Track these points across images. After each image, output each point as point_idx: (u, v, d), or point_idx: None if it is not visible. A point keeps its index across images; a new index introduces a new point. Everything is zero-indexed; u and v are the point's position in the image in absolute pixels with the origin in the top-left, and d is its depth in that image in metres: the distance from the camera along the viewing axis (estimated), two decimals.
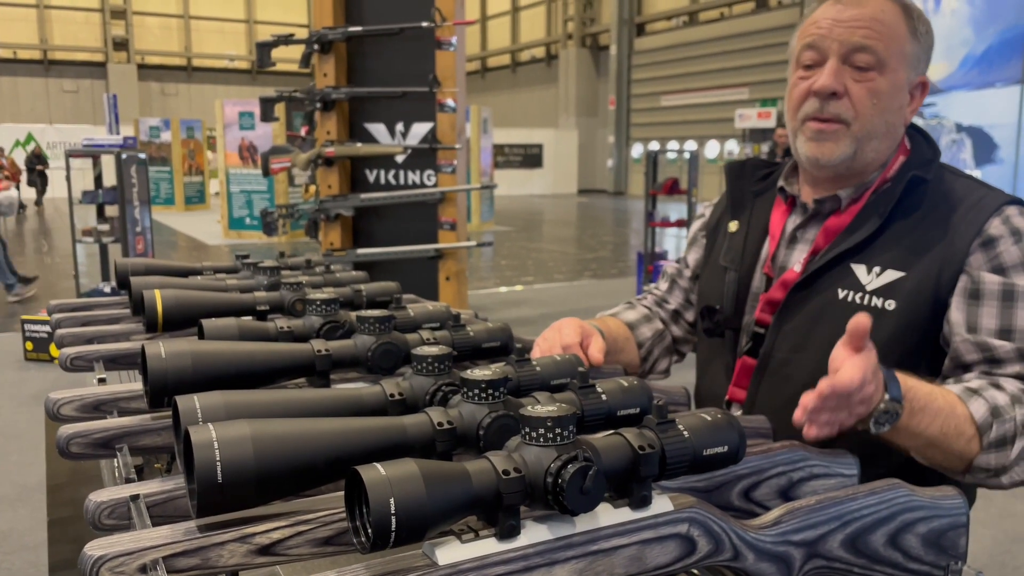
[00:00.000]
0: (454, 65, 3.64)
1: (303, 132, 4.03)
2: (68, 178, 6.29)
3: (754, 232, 1.33)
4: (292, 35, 3.95)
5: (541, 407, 0.61)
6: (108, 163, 6.39)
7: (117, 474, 0.79)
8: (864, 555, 0.74)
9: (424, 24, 3.59)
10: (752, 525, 0.69)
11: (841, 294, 1.17)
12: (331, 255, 3.69)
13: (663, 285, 1.51)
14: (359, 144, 3.78)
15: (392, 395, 0.80)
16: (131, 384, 0.97)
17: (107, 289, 6.46)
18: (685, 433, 0.65)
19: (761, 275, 1.30)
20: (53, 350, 5.52)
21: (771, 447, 0.87)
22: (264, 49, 3.88)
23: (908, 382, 0.98)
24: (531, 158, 24.27)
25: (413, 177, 3.84)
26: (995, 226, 1.13)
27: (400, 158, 3.81)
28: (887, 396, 0.94)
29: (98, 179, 6.60)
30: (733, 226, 1.36)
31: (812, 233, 1.26)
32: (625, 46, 22.68)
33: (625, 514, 0.63)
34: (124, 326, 1.29)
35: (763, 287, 1.29)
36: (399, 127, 3.82)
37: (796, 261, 1.26)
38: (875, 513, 0.74)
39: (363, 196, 3.82)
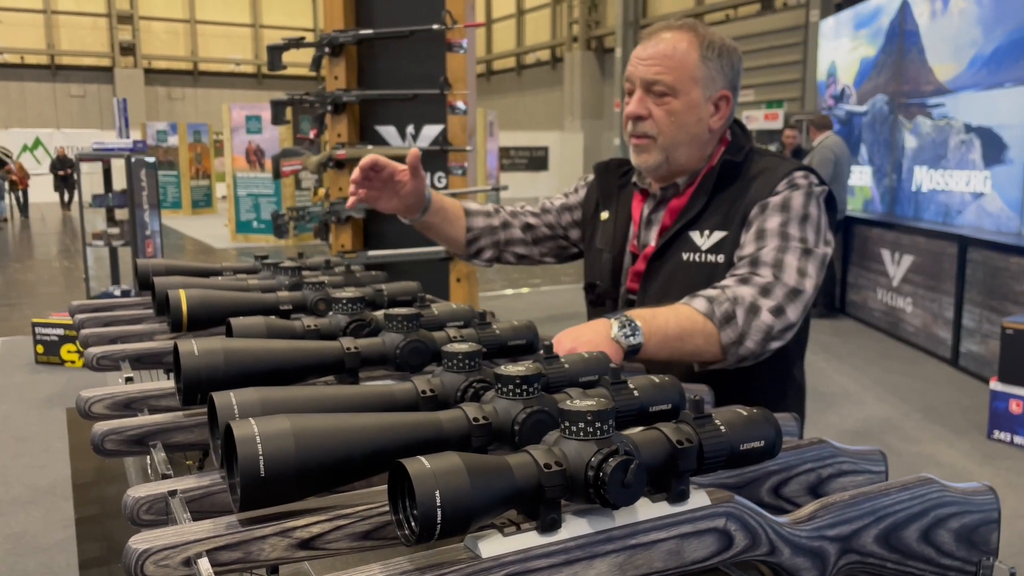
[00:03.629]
0: (464, 67, 3.65)
1: (311, 135, 4.04)
2: (78, 182, 6.31)
3: (621, 219, 1.62)
4: (303, 38, 3.96)
5: (580, 402, 0.61)
6: (118, 167, 6.41)
7: (150, 470, 0.80)
8: (898, 550, 0.74)
9: (434, 27, 3.59)
10: (788, 520, 0.70)
11: (684, 256, 1.48)
12: (342, 256, 3.70)
13: (531, 207, 1.80)
14: (370, 146, 3.79)
15: (424, 392, 0.80)
16: (161, 382, 0.98)
17: (117, 292, 6.48)
18: (722, 428, 0.65)
19: (629, 253, 1.60)
20: (64, 353, 5.54)
21: (799, 444, 0.87)
22: (275, 52, 3.89)
23: (631, 311, 1.28)
24: (536, 161, 24.27)
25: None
26: (781, 187, 1.43)
27: None
28: (612, 317, 1.25)
29: (107, 183, 6.62)
30: (604, 215, 1.66)
31: (661, 214, 1.56)
32: (630, 48, 22.68)
33: (663, 508, 0.63)
34: (147, 326, 1.30)
35: (632, 263, 1.58)
36: (409, 129, 3.83)
37: (653, 238, 1.56)
38: (908, 508, 0.74)
39: None
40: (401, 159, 1.58)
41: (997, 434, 4.27)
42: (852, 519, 0.72)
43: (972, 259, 5.53)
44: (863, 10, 7.99)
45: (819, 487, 0.86)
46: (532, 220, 1.77)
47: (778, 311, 1.33)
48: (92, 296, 6.61)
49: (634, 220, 1.60)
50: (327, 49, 3.71)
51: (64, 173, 18.61)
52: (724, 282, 1.37)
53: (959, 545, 0.77)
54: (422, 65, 3.70)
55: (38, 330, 5.55)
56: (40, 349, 5.56)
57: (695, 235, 1.48)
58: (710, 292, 1.34)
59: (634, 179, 1.62)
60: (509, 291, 9.03)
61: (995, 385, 4.29)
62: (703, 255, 1.47)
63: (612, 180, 1.68)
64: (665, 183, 1.56)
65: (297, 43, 3.91)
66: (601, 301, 1.63)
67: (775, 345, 1.35)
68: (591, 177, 1.76)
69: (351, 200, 1.57)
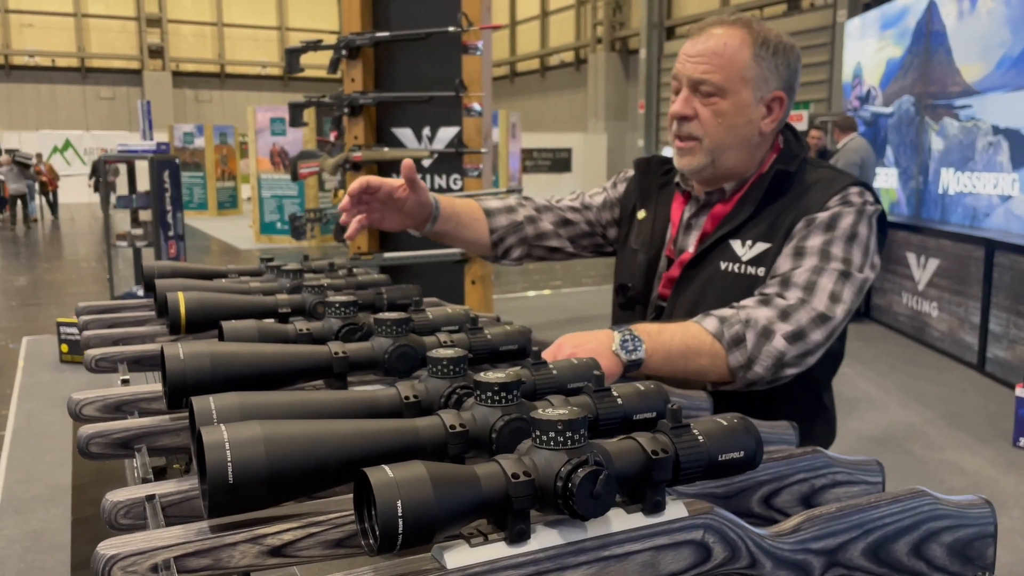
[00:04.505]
0: (480, 69, 3.65)
1: (332, 137, 4.06)
2: (105, 183, 6.40)
3: (659, 220, 1.55)
4: (320, 41, 3.98)
5: (553, 410, 0.60)
6: (142, 168, 6.49)
7: (135, 474, 0.80)
8: (886, 564, 0.72)
9: (451, 29, 3.60)
10: (770, 533, 0.68)
11: (723, 266, 1.41)
12: (358, 259, 3.71)
13: (569, 199, 1.71)
14: (386, 148, 3.80)
15: (407, 397, 0.79)
16: (152, 385, 0.98)
17: (140, 292, 6.56)
18: (700, 438, 0.64)
19: (664, 257, 1.53)
20: None
21: (792, 453, 0.85)
22: (293, 55, 3.92)
23: (638, 325, 1.23)
24: (560, 162, 24.23)
25: (439, 181, 3.85)
26: (833, 202, 1.36)
27: (427, 162, 3.82)
28: (617, 329, 1.21)
29: (132, 184, 6.71)
30: (641, 214, 1.59)
31: (702, 220, 1.49)
32: (655, 50, 22.58)
33: (638, 519, 0.62)
34: (149, 328, 1.31)
35: (666, 267, 1.52)
36: (425, 131, 3.84)
37: (691, 243, 1.49)
38: (898, 522, 0.72)
39: None
40: (416, 161, 1.55)
41: (1023, 442, 4.19)
42: (839, 532, 0.70)
43: (999, 263, 5.43)
44: (889, 10, 7.89)
45: (812, 498, 0.84)
46: (571, 215, 1.68)
47: (795, 337, 1.26)
48: (115, 296, 6.70)
49: (673, 223, 1.53)
50: (344, 51, 3.73)
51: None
52: (743, 302, 1.31)
53: (953, 560, 0.75)
54: (438, 67, 3.70)
55: (63, 329, 5.64)
56: (64, 348, 5.64)
57: (736, 244, 1.41)
58: (724, 312, 1.28)
59: (677, 179, 1.55)
60: (531, 292, 9.02)
61: (1021, 391, 4.21)
62: (743, 266, 1.39)
63: (653, 179, 1.61)
64: (711, 187, 1.48)
65: (315, 46, 3.93)
66: (631, 305, 1.55)
67: (790, 371, 1.28)
68: (630, 172, 1.69)
69: (351, 229, 1.47)
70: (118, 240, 6.49)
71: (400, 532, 0.53)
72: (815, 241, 1.33)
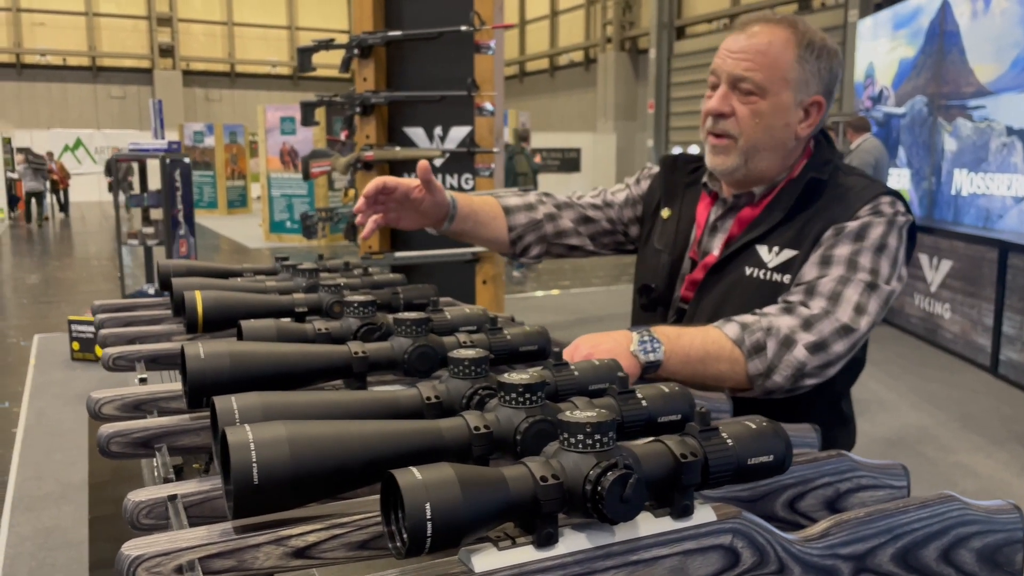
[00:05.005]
0: (492, 69, 3.64)
1: (342, 136, 4.06)
2: (116, 181, 6.42)
3: (684, 220, 1.53)
4: (332, 40, 3.99)
5: (580, 412, 0.60)
6: (153, 167, 6.51)
7: (156, 474, 0.79)
8: (915, 570, 0.71)
9: (463, 28, 3.59)
10: (798, 537, 0.67)
11: (748, 271, 1.38)
12: (369, 258, 3.71)
13: (590, 196, 1.69)
14: (398, 148, 3.80)
15: (428, 398, 0.79)
16: (171, 384, 0.98)
17: (151, 291, 6.58)
18: (729, 441, 0.63)
19: (688, 259, 1.50)
20: (99, 351, 5.65)
21: (817, 456, 0.84)
22: (305, 54, 3.92)
23: (657, 327, 1.22)
24: (569, 162, 24.20)
25: (451, 180, 3.85)
26: (863, 212, 1.33)
27: (438, 162, 3.82)
28: (635, 330, 1.20)
29: (143, 183, 6.73)
30: (666, 213, 1.57)
31: (729, 222, 1.46)
32: (665, 49, 22.52)
33: (666, 524, 0.61)
34: (165, 327, 1.31)
35: (689, 269, 1.49)
36: (437, 131, 3.83)
37: (716, 246, 1.46)
38: (927, 527, 0.71)
39: None
40: (429, 160, 1.54)
41: None
42: (867, 537, 0.69)
43: (1013, 265, 5.40)
44: (902, 10, 7.85)
45: (837, 502, 0.83)
46: (592, 213, 1.66)
47: (817, 348, 1.24)
48: (127, 295, 6.72)
49: (698, 224, 1.50)
50: (356, 51, 3.73)
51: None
52: (766, 309, 1.29)
53: (981, 565, 0.74)
54: (450, 67, 3.70)
55: (74, 327, 5.66)
56: (76, 346, 5.67)
57: (763, 250, 1.38)
58: (746, 318, 1.27)
59: (705, 179, 1.52)
60: (539, 293, 9.00)
61: None
62: (768, 272, 1.37)
63: (679, 177, 1.58)
64: (740, 189, 1.45)
65: (327, 45, 3.93)
66: (653, 306, 1.53)
67: (810, 382, 1.26)
68: (655, 169, 1.66)
69: (367, 229, 1.45)
70: (129, 238, 6.50)
71: (429, 535, 0.52)
72: (843, 251, 1.31)
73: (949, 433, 4.48)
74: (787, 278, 1.34)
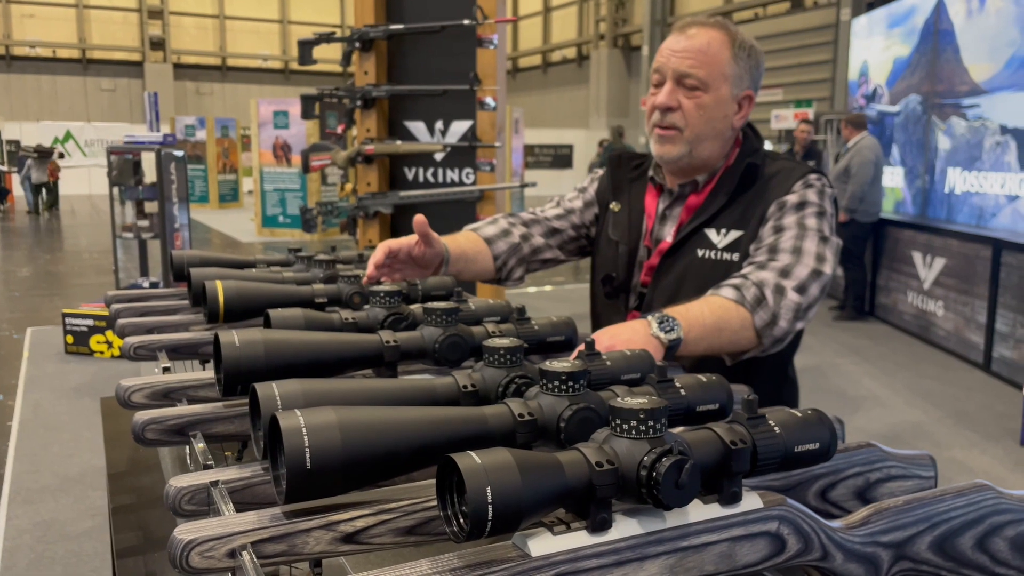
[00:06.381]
0: (495, 63, 3.64)
1: (339, 130, 4.05)
2: (110, 175, 6.38)
3: (635, 212, 1.65)
4: (333, 33, 3.97)
5: (631, 399, 0.60)
6: (148, 160, 6.47)
7: (189, 461, 0.79)
8: (952, 558, 0.72)
9: (465, 22, 3.59)
10: (841, 525, 0.68)
11: (700, 253, 1.52)
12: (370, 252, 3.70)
13: (551, 208, 1.79)
14: (399, 142, 3.79)
15: (464, 386, 0.79)
16: (199, 372, 0.98)
17: (146, 284, 6.55)
18: (776, 429, 0.63)
19: (643, 247, 1.62)
20: (93, 344, 5.60)
21: (847, 447, 0.85)
22: (306, 47, 3.90)
23: (663, 309, 1.28)
24: (561, 158, 24.21)
25: (452, 175, 3.84)
26: (797, 187, 1.49)
27: (439, 156, 3.81)
28: (647, 315, 1.25)
29: (137, 176, 6.68)
30: (615, 207, 1.69)
31: (677, 211, 1.59)
32: (657, 46, 22.53)
33: (715, 510, 0.62)
34: (183, 316, 1.30)
35: (646, 256, 1.61)
36: (438, 125, 3.82)
37: (668, 233, 1.59)
38: (963, 515, 0.72)
39: (402, 193, 3.83)
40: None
41: None
42: (906, 525, 0.70)
43: (1006, 263, 5.43)
44: (897, 9, 7.88)
45: (867, 492, 0.84)
46: (557, 224, 1.76)
47: (802, 289, 1.37)
48: (121, 287, 6.68)
49: (648, 215, 1.63)
50: (357, 44, 3.71)
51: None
52: (744, 270, 1.40)
53: (1015, 554, 0.74)
54: (452, 61, 3.69)
55: (68, 320, 5.62)
56: (70, 339, 5.63)
57: (712, 233, 1.52)
58: (734, 280, 1.37)
59: (650, 173, 1.65)
60: (532, 289, 9.01)
61: None
62: (719, 252, 1.50)
63: (624, 172, 1.71)
64: (684, 179, 1.58)
65: (328, 38, 3.92)
66: (616, 294, 1.64)
67: (801, 325, 1.38)
68: (599, 172, 1.79)
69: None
70: (124, 232, 6.47)
71: (490, 519, 0.52)
72: (791, 218, 1.45)
73: (944, 429, 4.51)
74: (736, 256, 1.48)
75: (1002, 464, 4.01)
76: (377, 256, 1.42)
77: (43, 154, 17.38)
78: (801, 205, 1.47)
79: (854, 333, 6.72)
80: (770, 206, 1.48)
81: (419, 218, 1.43)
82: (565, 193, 1.81)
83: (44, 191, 17.46)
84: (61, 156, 18.43)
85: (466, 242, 1.66)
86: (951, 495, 0.73)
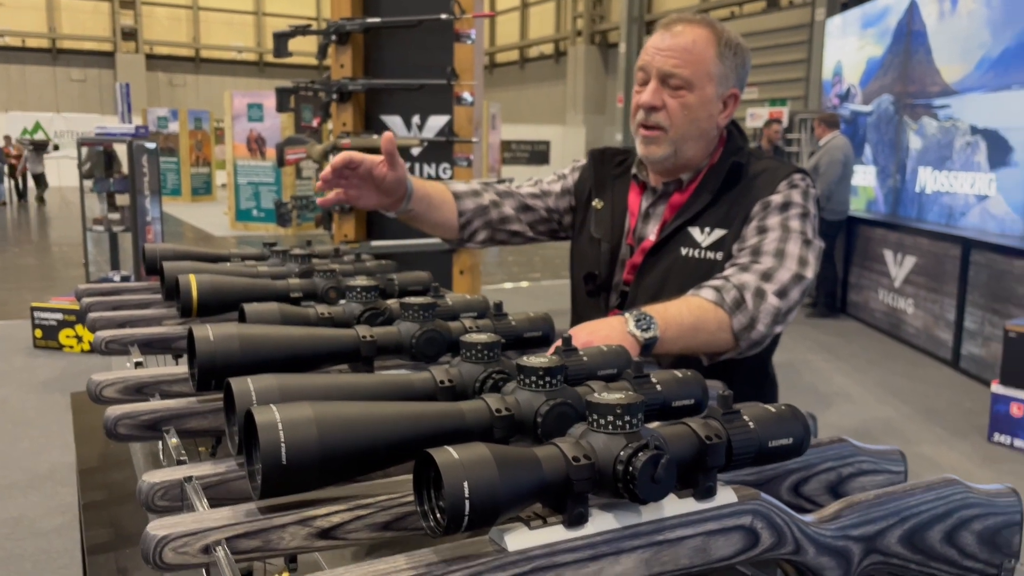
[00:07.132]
0: (472, 58, 3.63)
1: (314, 124, 4.02)
2: (80, 166, 6.29)
3: (618, 210, 1.62)
4: (309, 26, 3.94)
5: (608, 394, 0.60)
6: (119, 152, 6.37)
7: (163, 456, 0.78)
8: (921, 551, 0.73)
9: (443, 16, 3.57)
10: (813, 519, 0.69)
11: (683, 252, 1.50)
12: (345, 247, 3.68)
13: (528, 187, 1.76)
14: (375, 136, 3.77)
15: (442, 382, 0.79)
16: (172, 367, 0.97)
17: (116, 278, 6.46)
18: (751, 424, 0.64)
19: (626, 245, 1.60)
20: (63, 338, 5.52)
21: (820, 442, 0.86)
22: (281, 40, 3.87)
23: (641, 308, 1.27)
24: (538, 155, 24.21)
25: (429, 170, 3.83)
26: (782, 187, 1.47)
27: (416, 151, 3.80)
28: (625, 313, 1.24)
29: (108, 168, 6.58)
30: (598, 204, 1.66)
31: (661, 209, 1.58)
32: (635, 44, 22.60)
33: (690, 504, 0.62)
34: (156, 311, 1.29)
35: (628, 254, 1.59)
36: (415, 120, 3.81)
37: (651, 232, 1.57)
38: (932, 509, 0.73)
39: None
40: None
41: (998, 437, 4.27)
42: (877, 519, 0.71)
43: (975, 261, 5.52)
44: (871, 9, 7.97)
45: (839, 486, 0.85)
46: (531, 202, 1.74)
47: (782, 293, 1.36)
48: (91, 281, 6.58)
49: (631, 212, 1.61)
50: (333, 37, 3.69)
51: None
52: (726, 272, 1.39)
53: (982, 547, 0.76)
54: (429, 55, 3.67)
55: (37, 314, 5.54)
56: (39, 334, 5.55)
57: (695, 231, 1.50)
58: (715, 282, 1.36)
59: (634, 171, 1.63)
60: (508, 284, 9.01)
61: (996, 388, 4.29)
62: (702, 251, 1.49)
63: (607, 169, 1.69)
64: (668, 177, 1.57)
65: (303, 31, 3.88)
66: (598, 292, 1.63)
67: (779, 329, 1.37)
68: (583, 161, 1.76)
69: (328, 197, 1.49)
70: (94, 224, 6.37)
71: (467, 514, 0.52)
72: (774, 219, 1.44)
73: (913, 425, 4.58)
74: (720, 255, 1.47)
75: (970, 459, 4.08)
76: (337, 161, 1.42)
77: (38, 147, 18.10)
78: (786, 206, 1.46)
79: (826, 330, 6.80)
80: (754, 205, 1.47)
81: (387, 135, 1.43)
82: (544, 176, 1.80)
83: (35, 181, 18.24)
84: (56, 148, 18.86)
85: (433, 188, 1.63)
86: (920, 490, 0.74)
